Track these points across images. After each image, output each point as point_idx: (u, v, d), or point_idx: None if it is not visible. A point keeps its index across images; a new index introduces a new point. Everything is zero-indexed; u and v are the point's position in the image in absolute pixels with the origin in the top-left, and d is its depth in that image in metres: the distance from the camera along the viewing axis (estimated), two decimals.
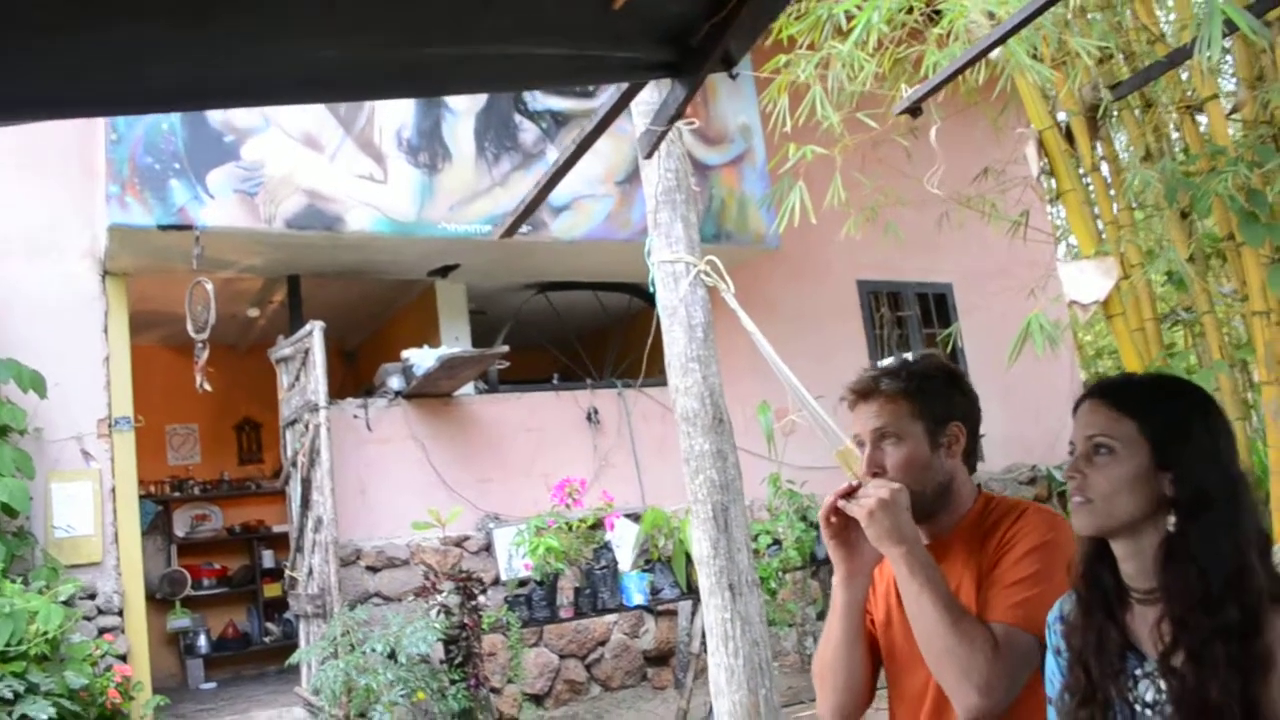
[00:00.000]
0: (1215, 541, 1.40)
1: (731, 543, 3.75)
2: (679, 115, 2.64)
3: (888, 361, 1.98)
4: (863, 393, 1.91)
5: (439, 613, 5.19)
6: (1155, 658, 1.44)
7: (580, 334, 8.04)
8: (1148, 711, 1.45)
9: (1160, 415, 1.48)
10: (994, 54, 4.36)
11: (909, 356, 1.98)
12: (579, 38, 2.18)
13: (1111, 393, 1.54)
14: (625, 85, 2.69)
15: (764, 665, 3.77)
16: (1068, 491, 1.55)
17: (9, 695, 4.42)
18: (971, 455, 1.94)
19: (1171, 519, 1.44)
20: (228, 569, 8.91)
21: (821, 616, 7.30)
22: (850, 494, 1.84)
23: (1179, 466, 1.44)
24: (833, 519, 1.86)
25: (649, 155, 3.07)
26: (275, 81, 1.99)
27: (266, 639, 8.46)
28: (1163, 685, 1.43)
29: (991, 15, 3.77)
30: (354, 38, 1.84)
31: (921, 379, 1.89)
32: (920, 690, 1.90)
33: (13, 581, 4.97)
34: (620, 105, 2.63)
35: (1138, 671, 1.48)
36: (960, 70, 2.77)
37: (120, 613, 5.84)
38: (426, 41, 1.91)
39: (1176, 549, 1.43)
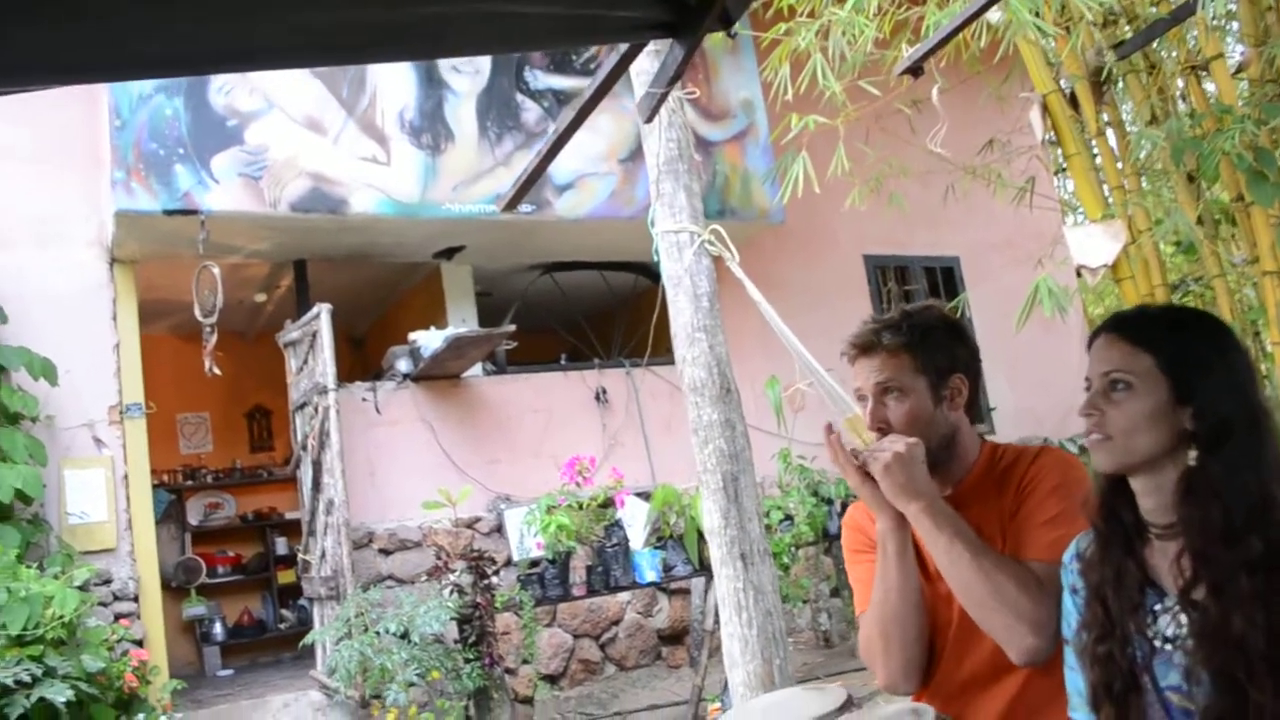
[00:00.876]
0: (1237, 473, 1.38)
1: (742, 512, 3.74)
2: (679, 76, 2.62)
3: (888, 314, 1.93)
4: (864, 347, 1.88)
5: (452, 592, 5.20)
6: (1175, 592, 1.43)
7: (587, 314, 8.04)
8: (1167, 646, 1.44)
9: (1178, 348, 1.46)
10: (995, 17, 4.34)
11: (909, 308, 1.94)
12: None
13: (1127, 327, 1.51)
14: (624, 49, 2.67)
15: (778, 635, 3.76)
16: (1084, 428, 1.53)
17: (27, 679, 4.43)
18: (974, 406, 1.92)
19: (1192, 453, 1.42)
20: (241, 556, 8.96)
21: (835, 594, 7.30)
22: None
23: (1199, 399, 1.42)
24: (855, 462, 1.83)
25: (649, 119, 3.06)
26: (267, 46, 1.98)
27: (281, 625, 8.50)
28: (1183, 619, 1.42)
29: None
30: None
31: (923, 332, 1.87)
32: (940, 643, 1.88)
33: (28, 568, 4.99)
34: (620, 68, 2.61)
35: (1157, 607, 1.47)
36: (962, 26, 2.75)
37: (135, 599, 5.88)
38: (414, 1, 1.90)
39: (1197, 482, 1.41)
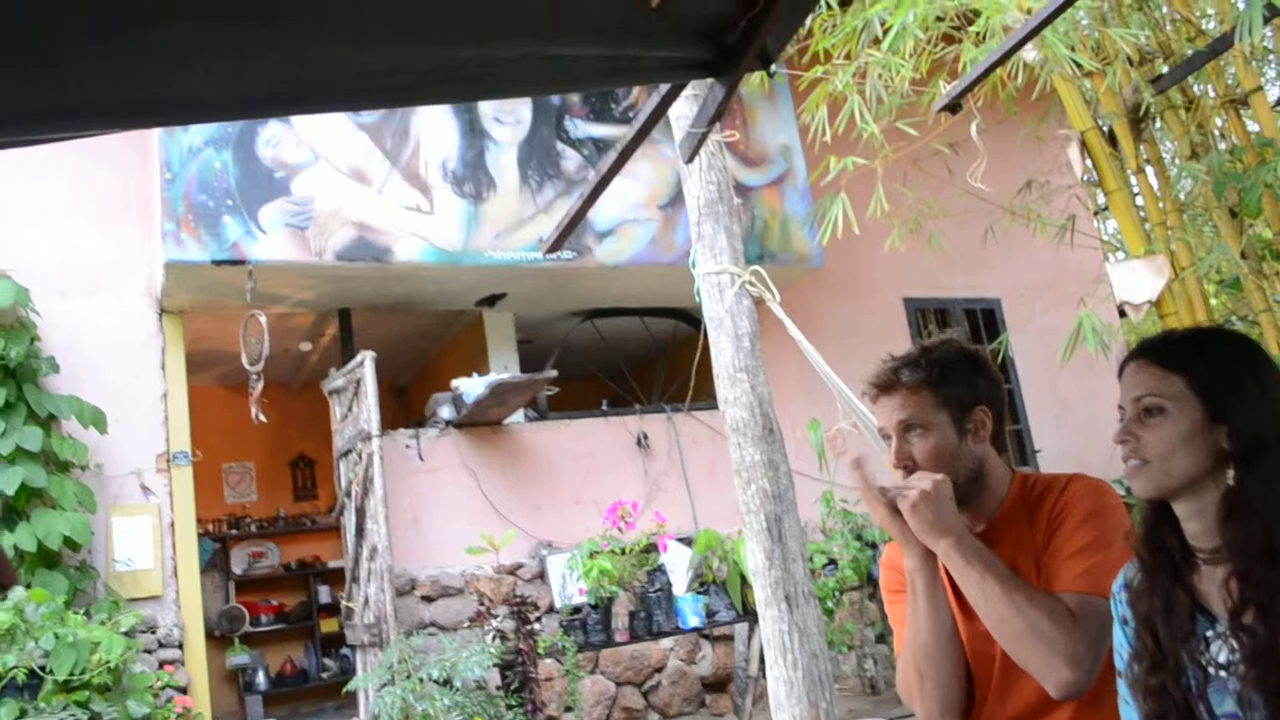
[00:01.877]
0: (1275, 490, 1.36)
1: (786, 553, 3.72)
2: (719, 115, 2.65)
3: (907, 351, 1.92)
4: (884, 386, 1.87)
5: (494, 637, 5.19)
6: (1225, 617, 1.40)
7: (628, 360, 8.06)
8: (1222, 673, 1.41)
9: (1208, 368, 1.44)
10: (1031, 56, 4.36)
11: (927, 344, 1.92)
12: (614, 38, 2.20)
13: (1156, 351, 1.50)
14: (664, 91, 2.71)
15: (823, 678, 3.72)
16: (1121, 455, 1.52)
17: None
18: (999, 437, 1.90)
19: (1231, 472, 1.41)
20: (285, 605, 8.99)
21: (881, 639, 7.19)
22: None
23: (1233, 418, 1.41)
24: (884, 499, 1.82)
25: (690, 159, 3.09)
26: (321, 87, 2.03)
27: (324, 675, 8.50)
28: (1234, 645, 1.39)
29: (1029, 12, 3.76)
30: (386, 40, 1.87)
31: (943, 367, 1.86)
32: (984, 681, 1.86)
33: (75, 614, 5.05)
34: (661, 109, 2.64)
35: (1209, 633, 1.44)
36: (1000, 61, 2.76)
37: (180, 646, 5.90)
38: (458, 43, 1.94)
39: (1237, 502, 1.39)
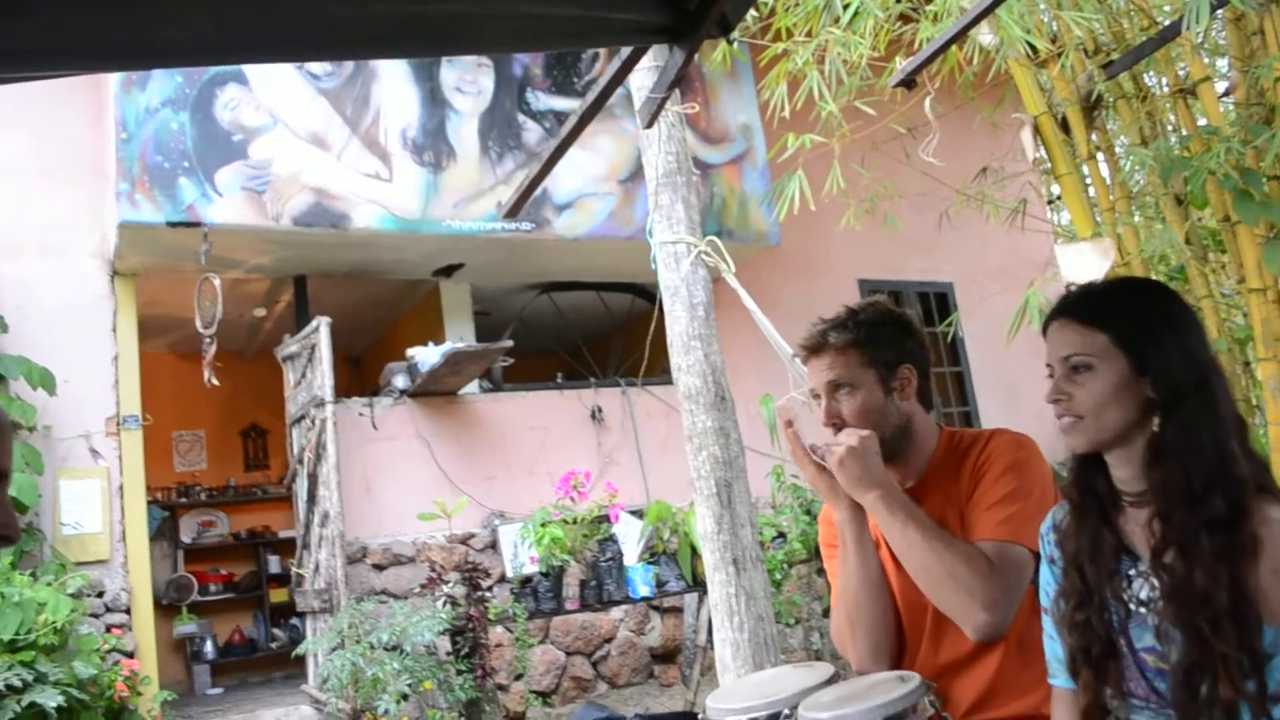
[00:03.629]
0: (1193, 435, 1.43)
1: (735, 518, 3.78)
2: (678, 82, 2.69)
3: (835, 314, 2.01)
4: (813, 348, 1.96)
5: (445, 603, 5.21)
6: (1148, 556, 1.48)
7: (584, 335, 8.10)
8: (1142, 609, 1.48)
9: (1129, 321, 1.50)
10: (987, 40, 4.44)
11: (854, 306, 2.01)
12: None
13: (1078, 308, 1.56)
14: (625, 55, 2.74)
15: (769, 640, 3.79)
16: (1055, 414, 1.58)
17: (18, 684, 4.45)
18: (925, 395, 1.99)
19: (1156, 420, 1.48)
20: (234, 575, 8.94)
21: (828, 613, 7.31)
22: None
23: (1154, 368, 1.47)
24: (812, 458, 1.91)
25: (649, 124, 3.12)
26: (288, 37, 2.04)
27: (273, 644, 8.47)
28: (1155, 582, 1.46)
29: None
30: None
31: (869, 328, 1.95)
32: (917, 628, 1.93)
33: (21, 575, 5.01)
34: (622, 73, 2.68)
35: (1131, 571, 1.51)
36: (955, 38, 2.82)
37: (127, 610, 5.86)
38: None
39: (1160, 448, 1.46)
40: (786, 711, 1.77)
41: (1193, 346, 1.49)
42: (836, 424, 1.91)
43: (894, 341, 1.96)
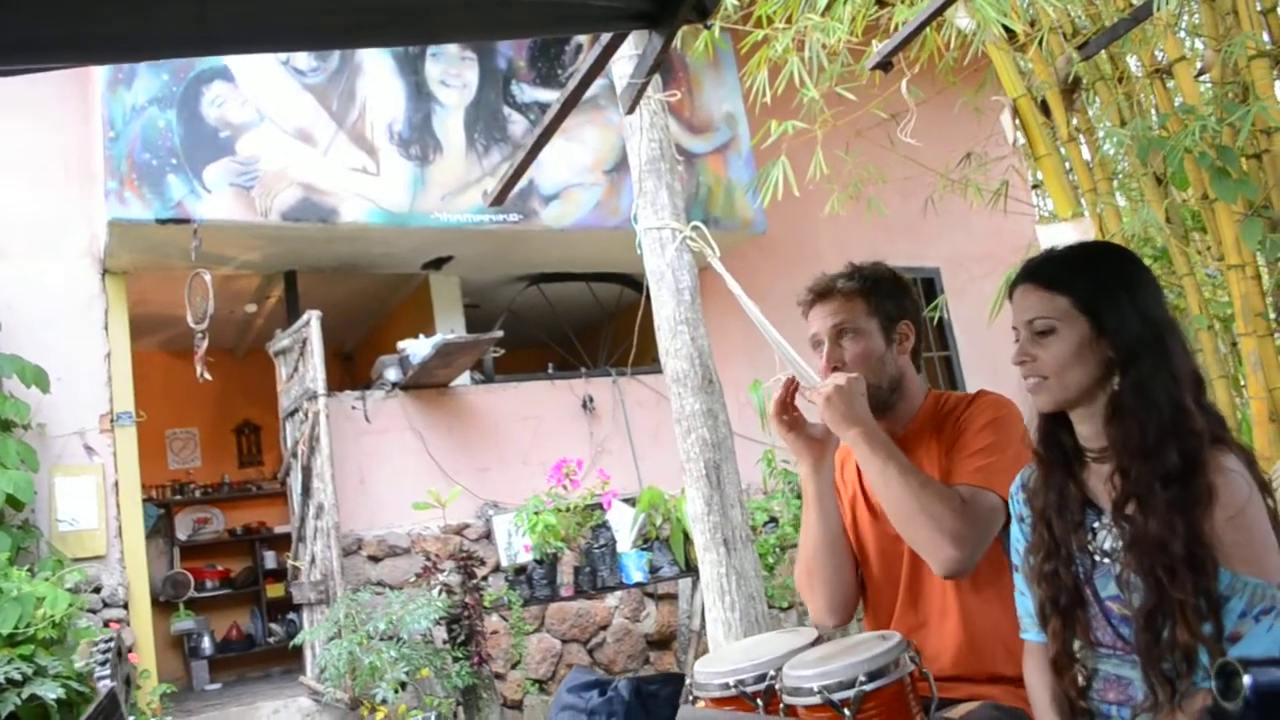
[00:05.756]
0: (1147, 391, 1.49)
1: (725, 499, 3.84)
2: (658, 66, 2.74)
3: (841, 268, 2.11)
4: (821, 292, 2.04)
5: (440, 591, 5.26)
6: (1110, 509, 1.54)
7: (574, 326, 8.13)
8: (1105, 560, 1.55)
9: (1088, 284, 1.57)
10: (964, 24, 4.49)
11: (859, 263, 2.10)
12: None
13: (1040, 273, 1.63)
14: (606, 41, 2.79)
15: (760, 619, 3.85)
16: (1021, 375, 1.65)
17: (17, 677, 4.48)
18: (917, 355, 2.07)
19: (1116, 378, 1.54)
20: (230, 571, 8.98)
21: None
22: (794, 389, 1.98)
23: (1110, 329, 1.54)
24: (784, 416, 1.97)
25: (631, 109, 3.18)
26: (263, 26, 2.08)
27: (270, 639, 8.50)
28: (1117, 533, 1.53)
29: None
30: None
31: (874, 280, 2.04)
32: (893, 582, 2.00)
33: (19, 571, 5.04)
34: (603, 57, 2.73)
35: (1095, 524, 1.58)
36: (930, 19, 2.87)
37: (125, 606, 5.91)
38: None
39: (1119, 405, 1.53)
40: (773, 672, 1.82)
41: (1147, 306, 1.55)
42: (838, 369, 1.97)
43: (896, 296, 2.05)
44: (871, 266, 2.09)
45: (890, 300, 2.03)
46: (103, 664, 4.64)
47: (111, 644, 4.80)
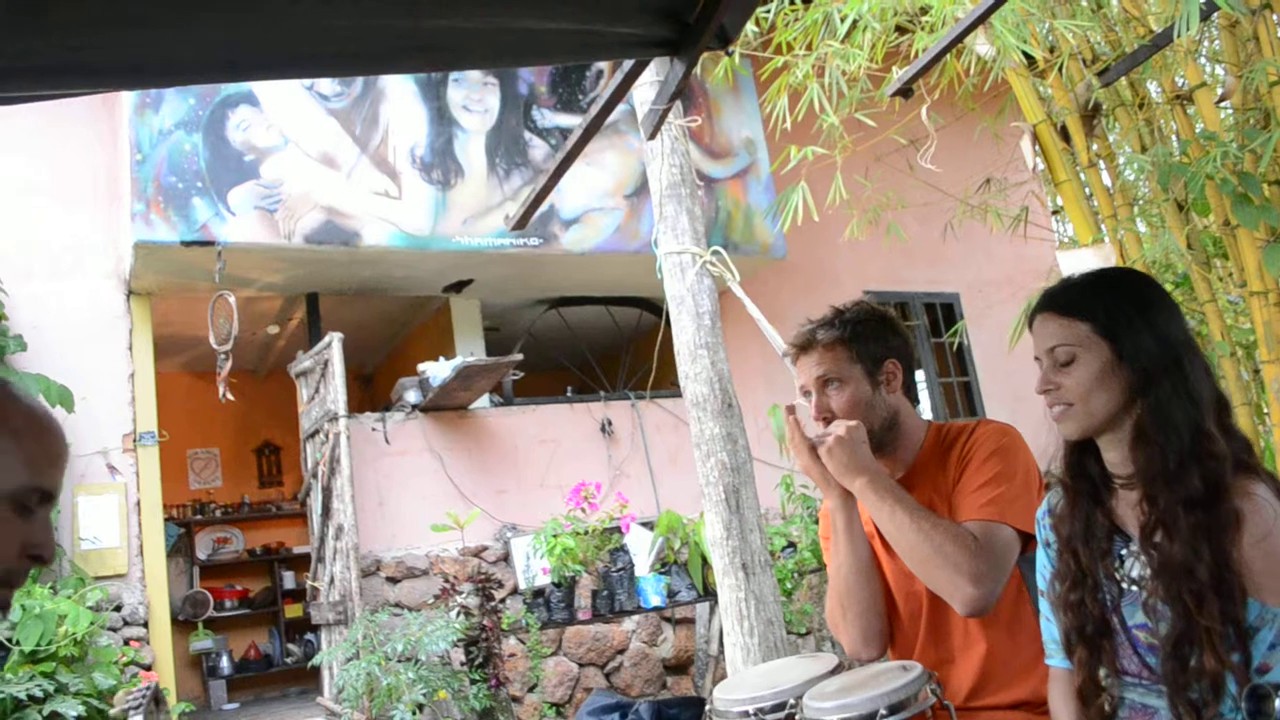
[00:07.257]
0: (1167, 414, 1.49)
1: (744, 524, 3.84)
2: (679, 93, 2.76)
3: (823, 314, 2.11)
4: (803, 346, 2.06)
5: (459, 613, 5.27)
6: (1138, 536, 1.53)
7: (593, 349, 8.16)
8: (1134, 587, 1.54)
9: (1107, 311, 1.56)
10: (984, 50, 4.51)
11: (840, 307, 2.11)
12: (582, 14, 2.31)
13: (1059, 301, 1.62)
14: (628, 68, 2.82)
15: (779, 644, 3.84)
16: (1046, 403, 1.65)
17: (39, 693, 4.52)
18: (911, 389, 2.07)
19: (1140, 404, 1.54)
20: (249, 591, 9.01)
21: None
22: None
23: (1130, 355, 1.54)
24: (810, 448, 1.98)
25: (652, 136, 3.20)
26: (292, 53, 2.11)
27: (288, 660, 8.53)
28: (1145, 560, 1.52)
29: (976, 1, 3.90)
30: (363, 7, 1.96)
31: (854, 325, 2.04)
32: (915, 618, 2.00)
33: (41, 588, 5.08)
34: (625, 84, 2.75)
35: (1124, 551, 1.57)
36: (949, 46, 2.89)
37: (145, 624, 5.94)
38: (432, 13, 2.04)
39: (1142, 431, 1.53)
40: (792, 701, 1.82)
41: (1163, 328, 1.55)
42: (827, 418, 1.99)
43: (879, 337, 2.05)
44: (853, 308, 2.09)
45: (873, 342, 2.03)
46: (137, 708, 4.65)
47: (148, 692, 4.82)
